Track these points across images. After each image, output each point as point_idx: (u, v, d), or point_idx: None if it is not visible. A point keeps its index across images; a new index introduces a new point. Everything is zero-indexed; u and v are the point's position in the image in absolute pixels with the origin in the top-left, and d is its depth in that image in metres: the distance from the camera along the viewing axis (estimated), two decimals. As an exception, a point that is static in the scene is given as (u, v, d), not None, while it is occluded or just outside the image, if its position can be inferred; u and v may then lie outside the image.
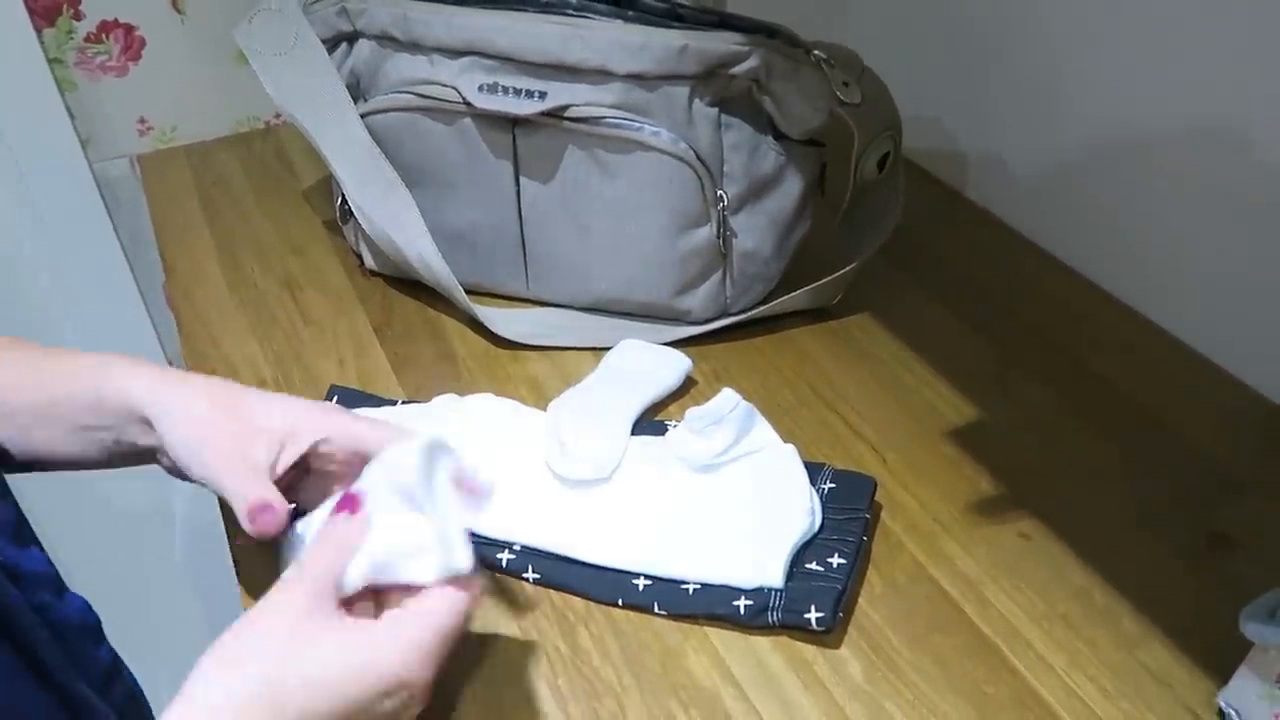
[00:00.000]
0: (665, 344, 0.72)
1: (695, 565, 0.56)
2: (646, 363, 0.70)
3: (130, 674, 0.53)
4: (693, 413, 0.61)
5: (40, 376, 0.53)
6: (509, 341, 0.74)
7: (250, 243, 0.86)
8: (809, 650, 0.54)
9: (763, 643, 0.54)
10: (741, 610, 0.54)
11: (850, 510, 0.59)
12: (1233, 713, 0.49)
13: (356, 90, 0.75)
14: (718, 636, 0.55)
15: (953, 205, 0.93)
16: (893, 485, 0.64)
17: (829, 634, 0.54)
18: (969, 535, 0.60)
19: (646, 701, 0.51)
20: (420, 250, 0.72)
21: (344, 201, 0.77)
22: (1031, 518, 0.61)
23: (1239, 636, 0.47)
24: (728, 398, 0.60)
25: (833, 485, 0.60)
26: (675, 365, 0.69)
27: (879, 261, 0.76)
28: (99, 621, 0.50)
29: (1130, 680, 0.52)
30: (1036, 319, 0.78)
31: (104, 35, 0.97)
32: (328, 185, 0.86)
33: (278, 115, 1.06)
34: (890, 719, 0.51)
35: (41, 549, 0.49)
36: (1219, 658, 0.51)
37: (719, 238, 0.70)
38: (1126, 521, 0.61)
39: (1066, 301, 0.80)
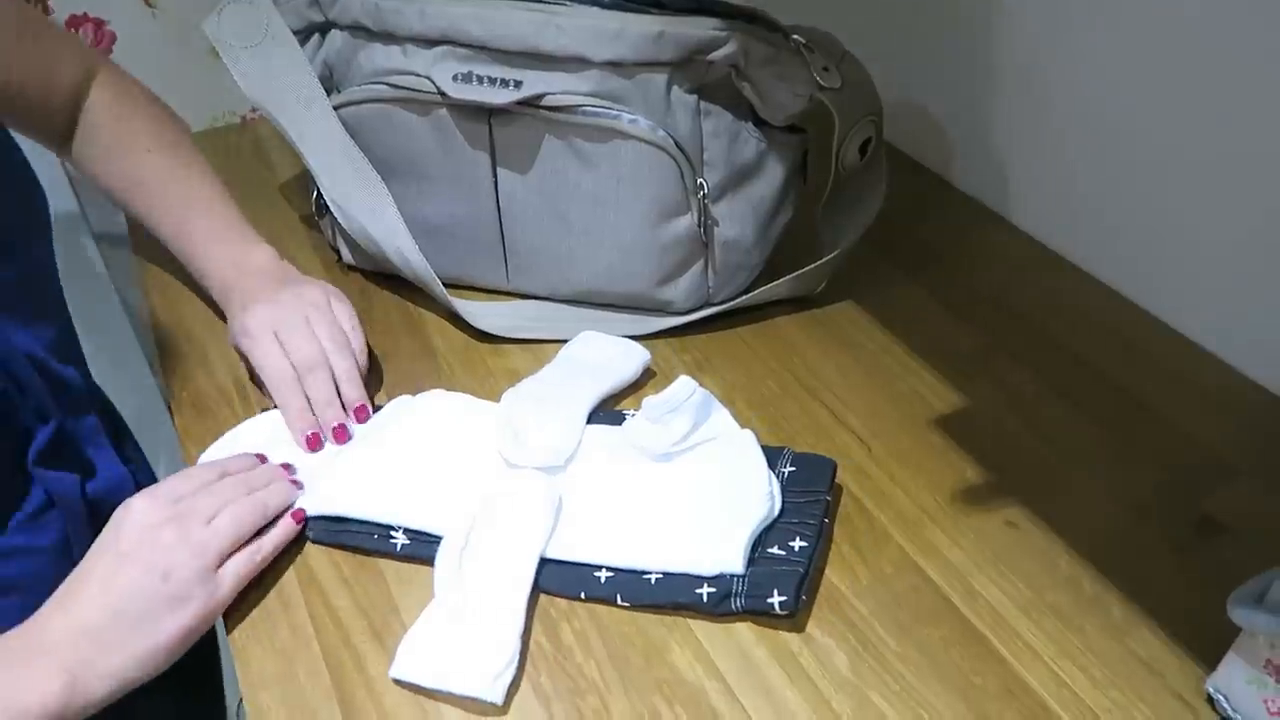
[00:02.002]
0: (648, 335, 0.72)
1: (656, 554, 0.55)
2: (605, 353, 0.69)
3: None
4: (649, 401, 0.60)
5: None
6: (489, 335, 0.73)
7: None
8: (794, 642, 0.53)
9: (747, 635, 0.54)
10: (704, 598, 0.53)
11: (811, 493, 0.58)
12: (1221, 698, 0.49)
13: (329, 82, 0.73)
14: (701, 630, 0.54)
15: (938, 192, 0.92)
16: (878, 474, 0.63)
17: (813, 620, 0.53)
18: (956, 524, 0.60)
19: (630, 698, 0.51)
20: (398, 244, 0.71)
21: (320, 196, 0.75)
22: (1019, 505, 0.61)
23: (1229, 622, 0.46)
24: (684, 385, 0.59)
25: (793, 469, 0.59)
26: (634, 357, 0.69)
27: (863, 248, 0.75)
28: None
29: (1120, 668, 0.52)
30: (1022, 305, 0.77)
31: (74, 29, 0.96)
32: (304, 180, 0.84)
33: (254, 110, 1.05)
34: (877, 711, 0.50)
35: (82, 367, 0.63)
36: (1209, 644, 0.51)
37: (700, 226, 0.69)
38: (1115, 508, 0.60)
39: (1053, 287, 0.79)
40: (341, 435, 0.64)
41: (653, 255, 0.70)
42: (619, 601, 0.55)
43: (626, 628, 0.54)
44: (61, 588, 0.51)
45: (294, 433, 0.64)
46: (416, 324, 0.75)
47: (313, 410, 0.64)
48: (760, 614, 0.53)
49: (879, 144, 0.73)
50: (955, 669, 0.52)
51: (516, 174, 0.70)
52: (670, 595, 0.54)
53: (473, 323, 0.72)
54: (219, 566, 0.53)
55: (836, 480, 0.60)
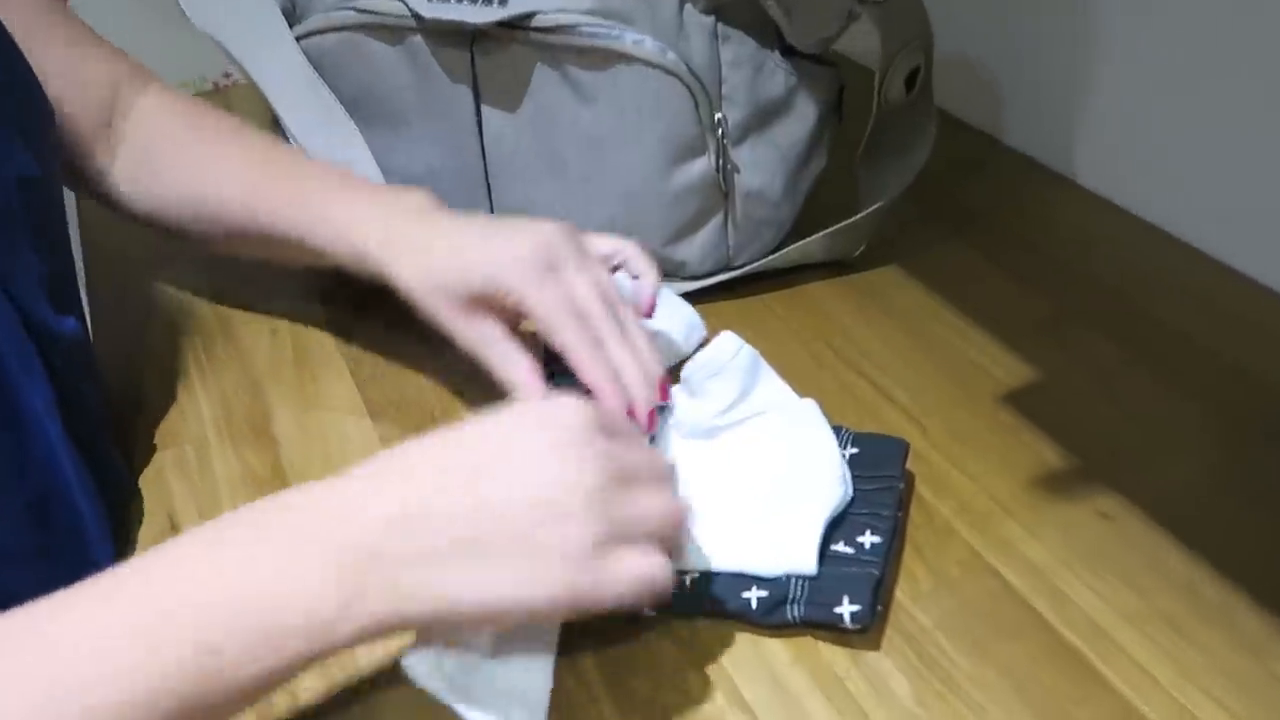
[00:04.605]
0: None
1: (697, 552, 0.45)
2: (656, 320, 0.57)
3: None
4: (688, 367, 0.49)
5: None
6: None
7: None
8: (840, 662, 0.42)
9: (780, 654, 0.43)
10: (754, 604, 0.43)
11: (881, 479, 0.47)
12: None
13: (292, 13, 0.64)
14: (723, 647, 0.43)
15: (989, 153, 0.81)
16: (936, 458, 0.52)
17: (864, 634, 0.42)
18: (1035, 516, 0.49)
19: (633, 732, 0.40)
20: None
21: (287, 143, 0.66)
22: (1112, 493, 0.50)
23: None
24: (727, 341, 0.48)
25: (855, 450, 0.49)
26: (684, 322, 0.56)
27: (907, 210, 0.65)
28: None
29: (1260, 695, 0.40)
30: (1093, 269, 0.66)
31: (29, -13, 0.87)
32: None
33: (227, 75, 0.96)
34: (950, 751, 0.39)
35: (82, 317, 0.50)
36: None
37: (719, 172, 0.59)
38: (1230, 497, 0.49)
39: (1127, 248, 0.68)
40: (653, 423, 0.48)
41: (663, 206, 0.60)
42: (645, 611, 0.44)
43: (631, 643, 0.43)
44: (385, 455, 0.37)
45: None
46: (394, 301, 0.65)
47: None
48: (823, 627, 0.43)
49: (928, 76, 0.62)
50: (1047, 695, 0.41)
51: (503, 112, 0.60)
52: (710, 601, 0.44)
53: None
54: (621, 554, 0.37)
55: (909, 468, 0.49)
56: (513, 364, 0.49)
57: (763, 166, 0.61)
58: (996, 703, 0.40)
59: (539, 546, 0.35)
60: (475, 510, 0.35)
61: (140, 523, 0.50)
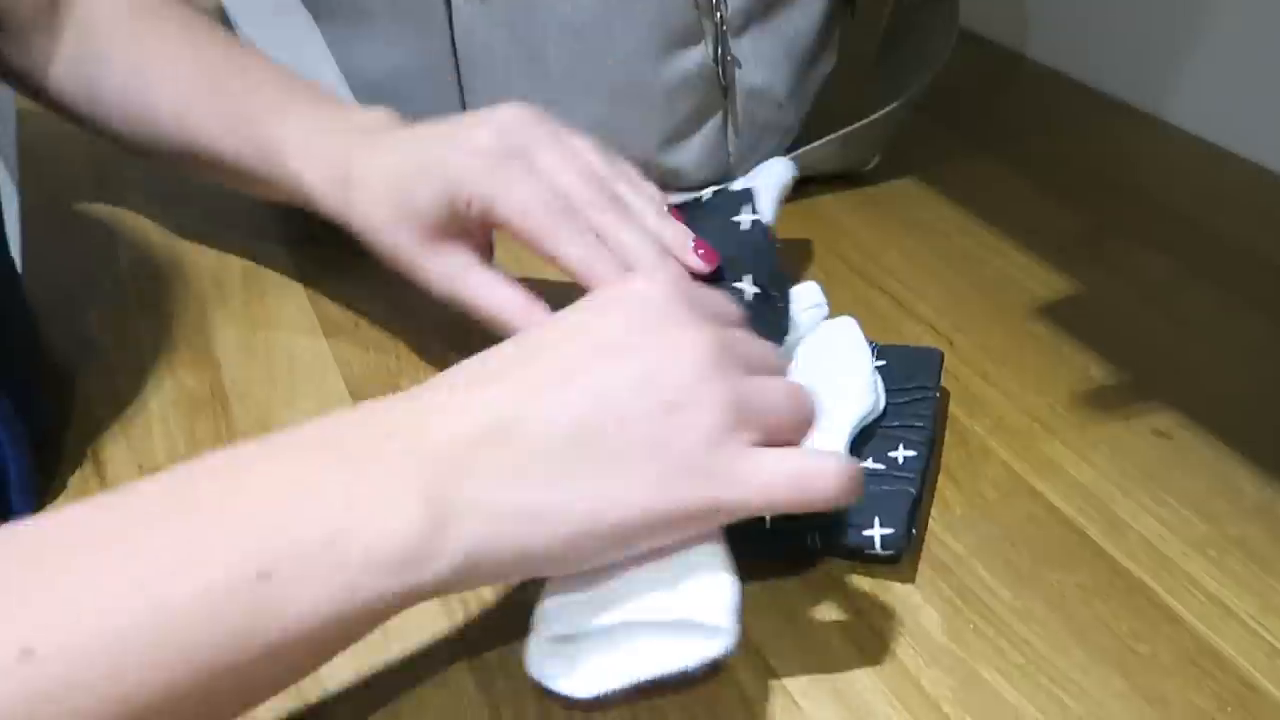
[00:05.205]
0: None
1: None
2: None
3: None
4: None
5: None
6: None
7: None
8: (861, 593, 0.36)
9: (793, 585, 0.36)
10: (767, 526, 0.36)
11: (914, 390, 0.41)
12: None
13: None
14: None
15: (1014, 69, 0.75)
16: (966, 374, 0.46)
17: (894, 563, 0.36)
18: (1082, 435, 0.42)
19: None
20: (326, 88, 0.55)
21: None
22: (1169, 410, 0.43)
23: None
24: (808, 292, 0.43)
25: (883, 363, 0.42)
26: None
27: (926, 124, 0.59)
28: None
29: (1358, 628, 0.34)
30: (1136, 182, 0.60)
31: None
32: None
33: None
34: (991, 693, 0.32)
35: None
36: None
37: (717, 64, 0.53)
38: (1306, 411, 0.43)
39: (1174, 163, 0.62)
40: (712, 256, 0.40)
41: (655, 103, 0.53)
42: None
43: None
44: (458, 367, 0.31)
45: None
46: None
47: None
48: (849, 554, 0.36)
49: (951, -40, 0.56)
50: (1105, 631, 0.34)
51: (475, 0, 0.53)
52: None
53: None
54: (757, 447, 0.30)
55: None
56: (494, 292, 0.41)
57: (766, 61, 0.54)
58: (1043, 637, 0.34)
59: (655, 443, 0.29)
60: (574, 415, 0.29)
61: (59, 459, 0.44)
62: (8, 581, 0.25)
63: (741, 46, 0.53)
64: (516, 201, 0.39)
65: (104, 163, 0.63)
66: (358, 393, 0.45)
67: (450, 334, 0.48)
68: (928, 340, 0.48)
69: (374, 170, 0.42)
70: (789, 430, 0.32)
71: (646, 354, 0.30)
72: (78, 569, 0.25)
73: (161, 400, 0.45)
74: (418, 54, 0.56)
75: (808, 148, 0.56)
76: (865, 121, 0.55)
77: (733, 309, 0.36)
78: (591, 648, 0.30)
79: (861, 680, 0.33)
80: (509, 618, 0.34)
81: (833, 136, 0.55)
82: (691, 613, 0.29)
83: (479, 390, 0.30)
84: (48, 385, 0.46)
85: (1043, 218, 0.56)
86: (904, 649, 0.34)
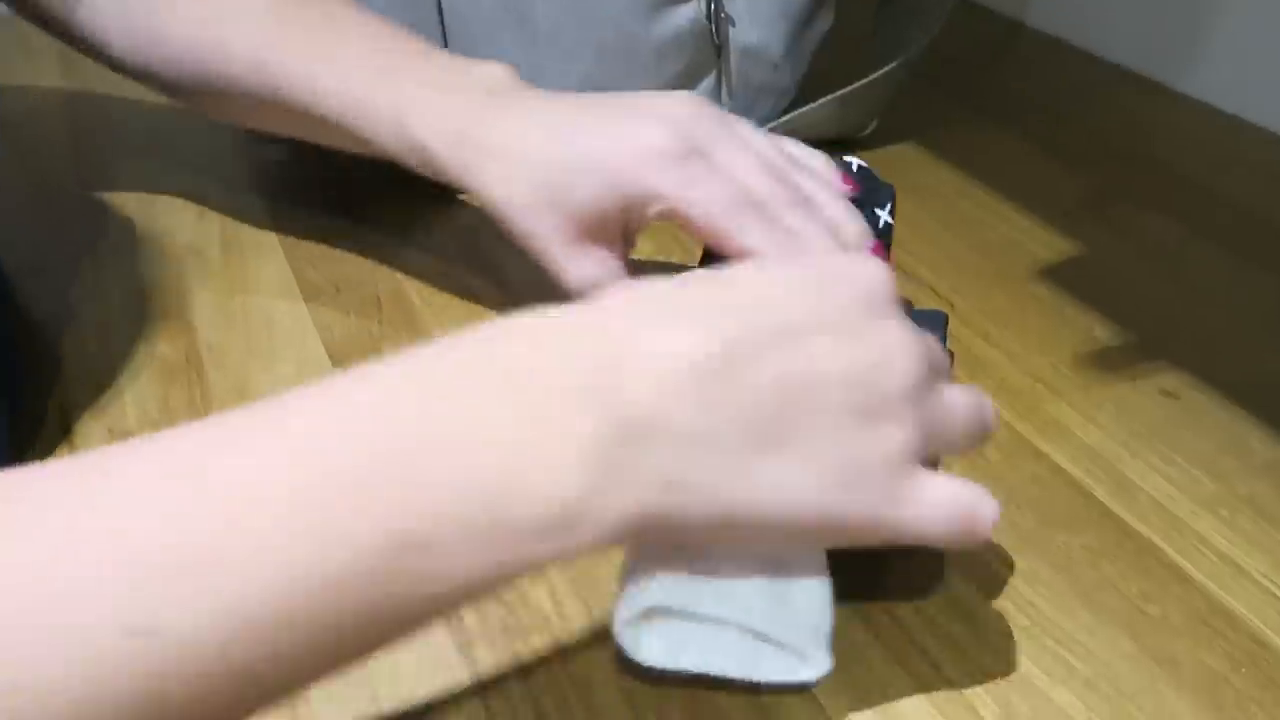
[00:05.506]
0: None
1: None
2: None
3: None
4: None
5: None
6: (431, 182, 0.55)
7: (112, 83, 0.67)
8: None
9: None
10: None
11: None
12: None
13: None
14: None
15: (1014, 38, 0.73)
16: (968, 336, 0.44)
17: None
18: (1087, 396, 0.41)
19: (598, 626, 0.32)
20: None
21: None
22: (1177, 370, 0.42)
23: None
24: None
25: None
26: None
27: (923, 89, 0.58)
28: None
29: (1375, 586, 0.33)
30: (1141, 146, 0.59)
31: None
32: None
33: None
34: (995, 654, 0.31)
35: None
36: None
37: (710, 21, 0.51)
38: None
39: (1179, 125, 0.61)
40: (880, 253, 0.39)
41: (644, 62, 0.52)
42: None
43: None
44: (635, 291, 0.26)
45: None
46: (336, 166, 0.57)
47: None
48: None
49: (950, -85, 0.54)
50: (1113, 592, 0.33)
51: (461, -43, 0.52)
52: None
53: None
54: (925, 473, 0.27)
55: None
56: None
57: (761, 19, 0.53)
58: (1049, 599, 0.33)
59: (848, 445, 0.25)
60: (783, 386, 0.25)
61: (32, 423, 0.42)
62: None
63: (735, 3, 0.52)
64: (702, 202, 0.36)
65: (80, 128, 0.61)
66: (338, 358, 0.44)
67: (432, 300, 0.46)
68: (929, 303, 0.46)
69: (512, 141, 0.38)
70: (966, 448, 0.29)
71: (869, 347, 0.26)
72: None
73: (135, 366, 0.44)
74: (402, 9, 0.54)
75: (804, 110, 0.54)
76: (863, 82, 0.54)
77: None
78: (685, 630, 0.28)
79: (861, 644, 0.32)
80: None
81: (829, 98, 0.54)
82: (795, 639, 0.28)
83: (673, 324, 0.25)
84: (23, 349, 0.44)
85: (1045, 182, 0.55)
86: (904, 611, 0.33)
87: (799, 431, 0.25)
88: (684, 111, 0.38)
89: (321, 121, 0.42)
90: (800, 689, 0.30)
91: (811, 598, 0.28)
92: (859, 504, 0.26)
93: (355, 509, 0.21)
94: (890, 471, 0.26)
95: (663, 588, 0.27)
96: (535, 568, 0.23)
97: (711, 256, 0.38)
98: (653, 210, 0.37)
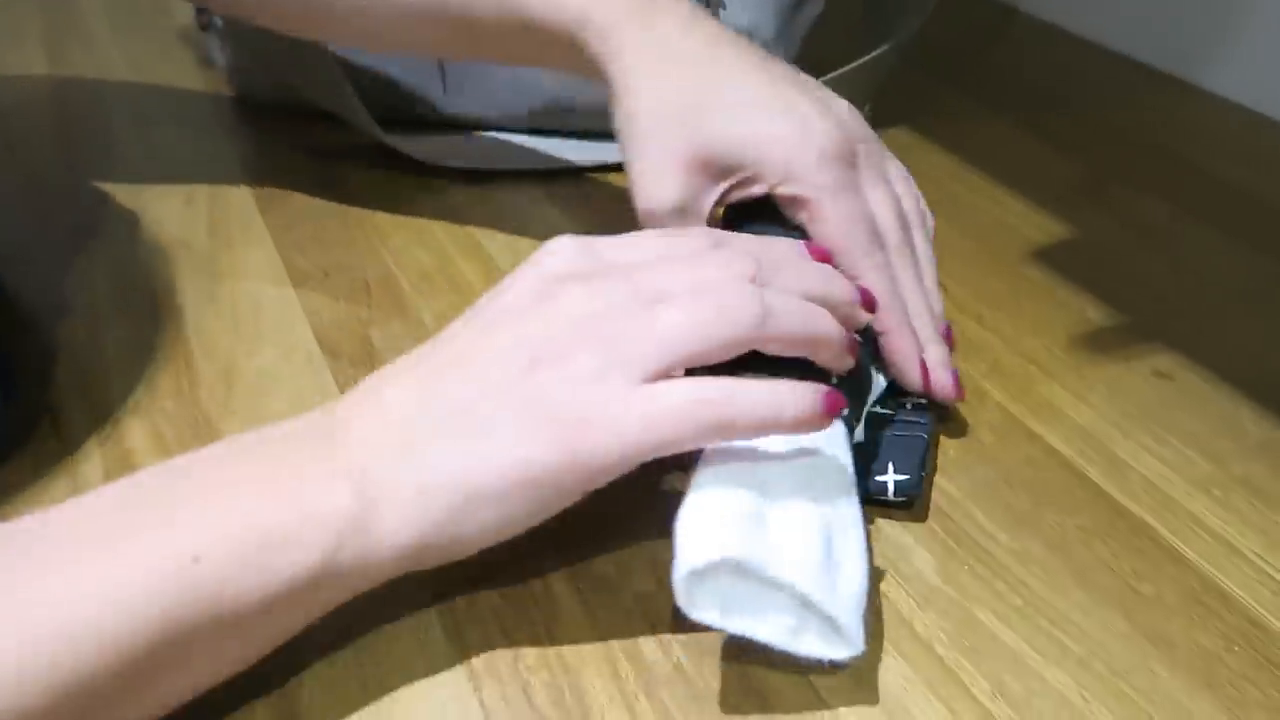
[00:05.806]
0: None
1: None
2: None
3: None
4: None
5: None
6: (420, 166, 0.54)
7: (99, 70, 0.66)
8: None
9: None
10: None
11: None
12: None
13: None
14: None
15: (1007, 23, 0.73)
16: (961, 319, 0.44)
17: (911, 506, 0.35)
18: (1080, 377, 0.41)
19: (601, 630, 0.32)
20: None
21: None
22: (1170, 351, 0.42)
23: None
24: None
25: None
26: None
27: (916, 76, 0.57)
28: None
29: (1369, 564, 0.33)
30: (1135, 130, 0.59)
31: None
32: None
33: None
34: (987, 634, 0.31)
35: None
36: None
37: (701, 3, 0.51)
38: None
39: (1173, 111, 0.61)
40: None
41: (636, 45, 0.52)
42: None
43: (595, 521, 0.36)
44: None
45: (906, 368, 0.36)
46: (321, 155, 0.57)
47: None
48: (863, 499, 0.34)
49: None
50: (1106, 572, 0.33)
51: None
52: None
53: (398, 149, 0.54)
54: (653, 380, 0.28)
55: None
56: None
57: (752, 1, 0.52)
58: (1042, 579, 0.33)
59: (525, 398, 0.28)
60: (453, 398, 0.28)
61: (18, 409, 0.42)
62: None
63: (726, -13, 0.52)
64: (840, 216, 0.36)
65: (67, 117, 0.61)
66: (326, 343, 0.43)
67: (422, 284, 0.46)
68: (920, 286, 0.46)
69: (674, 71, 0.38)
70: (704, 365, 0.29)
71: (525, 314, 0.29)
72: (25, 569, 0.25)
73: (124, 354, 0.43)
74: None
75: (795, 94, 0.54)
76: (854, 65, 0.54)
77: (664, 257, 0.32)
78: (739, 592, 0.28)
79: (851, 624, 0.31)
80: (476, 564, 0.33)
81: (821, 81, 0.54)
82: (839, 610, 0.28)
83: (374, 396, 0.30)
84: (13, 339, 0.44)
85: (1037, 165, 0.55)
86: (896, 591, 0.32)
87: (480, 411, 0.28)
88: (854, 122, 0.39)
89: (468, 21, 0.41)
90: (832, 668, 0.29)
91: (857, 566, 0.29)
92: (553, 439, 0.27)
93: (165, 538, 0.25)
94: (577, 405, 0.27)
95: (729, 537, 0.27)
96: (339, 580, 0.27)
97: (732, 224, 0.38)
98: (767, 189, 0.37)
